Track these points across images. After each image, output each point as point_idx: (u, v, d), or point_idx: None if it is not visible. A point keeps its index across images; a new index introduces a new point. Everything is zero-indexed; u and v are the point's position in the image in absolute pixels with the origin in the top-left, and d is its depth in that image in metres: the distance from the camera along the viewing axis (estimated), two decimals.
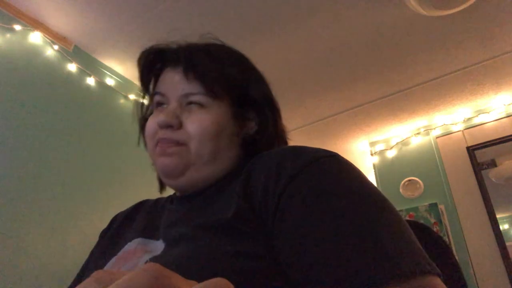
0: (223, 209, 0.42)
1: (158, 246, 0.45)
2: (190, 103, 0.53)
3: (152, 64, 0.60)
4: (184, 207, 0.52)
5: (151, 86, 0.61)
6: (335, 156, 0.41)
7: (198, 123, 0.51)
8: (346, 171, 0.39)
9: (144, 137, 0.61)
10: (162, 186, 0.64)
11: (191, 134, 0.50)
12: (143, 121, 0.62)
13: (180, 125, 0.51)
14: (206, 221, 0.41)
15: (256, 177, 0.43)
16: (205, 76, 0.53)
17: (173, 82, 0.55)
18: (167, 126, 0.51)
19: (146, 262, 0.39)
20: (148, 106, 0.63)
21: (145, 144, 0.62)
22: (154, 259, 0.40)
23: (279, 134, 0.60)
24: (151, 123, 0.54)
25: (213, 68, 0.54)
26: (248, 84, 0.57)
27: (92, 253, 0.57)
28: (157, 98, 0.56)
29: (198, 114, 0.52)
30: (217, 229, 0.39)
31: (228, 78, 0.54)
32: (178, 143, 0.50)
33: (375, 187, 0.38)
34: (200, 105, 0.52)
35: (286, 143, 0.62)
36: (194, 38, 0.62)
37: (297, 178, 0.38)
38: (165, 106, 0.55)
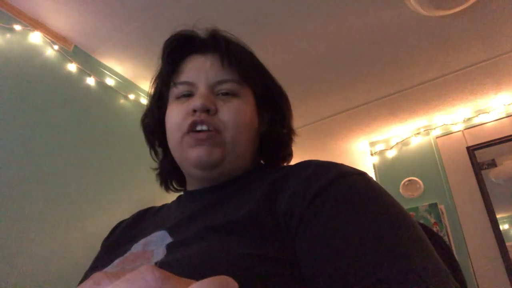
0: (238, 211, 0.42)
1: (164, 239, 0.44)
2: (223, 91, 0.51)
3: (177, 51, 0.56)
4: (198, 203, 0.51)
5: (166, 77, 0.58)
6: (363, 174, 0.42)
7: (234, 111, 0.49)
8: (373, 189, 0.39)
9: (147, 136, 0.60)
10: (167, 186, 0.63)
11: (227, 122, 0.49)
12: (155, 119, 0.59)
13: (216, 111, 0.49)
14: (219, 222, 0.41)
15: (283, 186, 0.43)
16: (242, 63, 0.52)
17: (203, 69, 0.52)
18: (203, 110, 0.48)
19: (156, 264, 0.39)
20: (157, 100, 0.60)
21: (149, 142, 0.60)
22: (164, 260, 0.39)
23: (290, 134, 0.61)
24: (177, 111, 0.51)
25: (247, 57, 0.54)
26: (268, 80, 0.58)
27: (94, 261, 0.56)
28: (181, 88, 0.53)
29: (233, 102, 0.50)
30: (229, 231, 0.39)
31: (258, 68, 0.55)
32: (216, 132, 0.48)
33: (400, 205, 0.38)
34: (232, 93, 0.51)
35: (291, 141, 0.62)
36: None
37: (325, 191, 0.38)
38: (191, 96, 0.52)
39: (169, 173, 0.62)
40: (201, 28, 0.56)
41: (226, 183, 0.52)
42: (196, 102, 0.49)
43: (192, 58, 0.55)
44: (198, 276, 0.17)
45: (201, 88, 0.51)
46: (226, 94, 0.51)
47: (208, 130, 0.48)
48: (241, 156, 0.51)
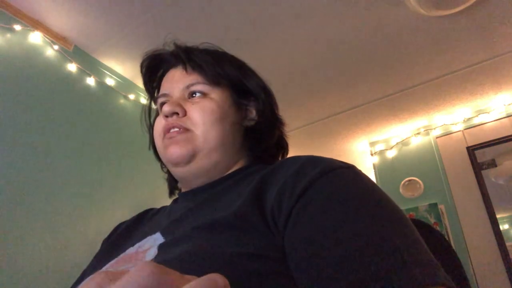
0: (227, 209, 0.42)
1: (156, 240, 0.45)
2: (192, 94, 0.56)
3: (153, 71, 0.64)
4: (189, 203, 0.52)
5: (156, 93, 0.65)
6: (352, 167, 0.42)
7: (201, 110, 0.54)
8: (361, 182, 0.39)
9: (155, 153, 0.63)
10: (171, 191, 0.66)
11: (196, 120, 0.53)
12: (152, 128, 0.64)
13: (184, 113, 0.54)
14: (208, 220, 0.41)
15: (271, 181, 0.43)
16: (203, 66, 0.56)
17: (174, 79, 0.58)
18: (172, 113, 0.54)
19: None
20: (156, 114, 0.66)
21: (154, 148, 0.63)
22: (154, 260, 0.40)
23: (277, 124, 0.63)
24: (158, 122, 0.57)
25: (210, 60, 0.57)
26: (243, 75, 0.60)
27: (93, 259, 0.57)
28: (160, 100, 0.59)
29: (200, 102, 0.55)
30: (218, 229, 0.40)
31: (224, 68, 0.58)
32: (185, 130, 0.53)
33: (390, 198, 0.38)
34: (202, 94, 0.56)
35: (283, 135, 0.65)
36: (194, 38, 0.64)
37: (314, 185, 0.38)
38: None
39: (172, 182, 0.66)
40: (170, 42, 0.63)
41: (216, 182, 0.54)
42: (164, 108, 0.54)
43: (168, 73, 0.61)
44: (187, 274, 0.18)
45: (173, 96, 0.57)
46: (196, 96, 0.56)
47: (182, 129, 0.53)
48: (217, 150, 0.53)
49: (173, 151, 0.52)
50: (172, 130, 0.54)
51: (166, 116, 0.54)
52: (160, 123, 0.56)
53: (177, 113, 0.53)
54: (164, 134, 0.54)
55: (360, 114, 2.50)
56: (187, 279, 0.16)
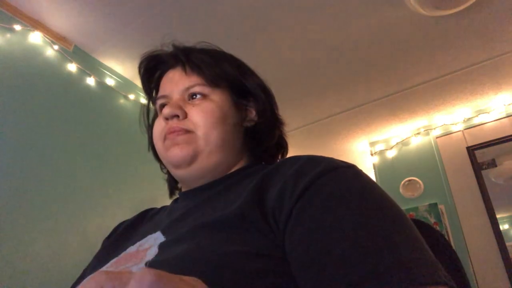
0: (227, 208, 0.42)
1: (157, 239, 0.45)
2: (192, 95, 0.56)
3: (152, 72, 0.64)
4: (189, 203, 0.53)
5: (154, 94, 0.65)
6: (353, 166, 0.42)
7: (202, 112, 0.53)
8: (362, 181, 0.39)
9: (154, 154, 0.63)
10: (171, 191, 0.66)
11: (197, 122, 0.53)
12: (150, 128, 0.64)
13: (185, 115, 0.54)
14: (208, 220, 0.41)
15: (272, 181, 0.43)
16: (203, 68, 0.56)
17: (173, 81, 0.58)
18: (172, 116, 0.53)
19: (146, 263, 0.39)
20: (154, 115, 0.66)
21: (153, 149, 0.63)
22: (155, 259, 0.40)
23: (277, 124, 0.63)
24: (158, 124, 0.57)
25: (209, 61, 0.57)
26: (242, 75, 0.60)
27: (93, 259, 0.57)
28: (160, 101, 0.59)
29: (201, 104, 0.54)
30: (218, 228, 0.40)
31: (223, 68, 0.58)
32: (186, 131, 0.52)
33: (390, 197, 0.38)
34: (202, 96, 0.55)
35: (283, 135, 0.64)
36: (193, 38, 0.64)
37: (315, 184, 0.38)
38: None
39: (172, 183, 0.66)
40: (170, 42, 0.62)
41: (217, 181, 0.54)
42: (164, 111, 0.54)
43: (167, 74, 0.61)
44: (187, 274, 0.18)
45: (173, 98, 0.56)
46: (196, 98, 0.56)
47: (183, 131, 0.53)
48: (218, 151, 0.53)
49: (175, 153, 0.52)
50: (171, 132, 0.53)
51: (167, 119, 0.54)
52: (160, 125, 0.56)
53: (177, 116, 0.53)
54: (165, 136, 0.54)
55: (360, 114, 2.50)
56: (186, 282, 0.16)
